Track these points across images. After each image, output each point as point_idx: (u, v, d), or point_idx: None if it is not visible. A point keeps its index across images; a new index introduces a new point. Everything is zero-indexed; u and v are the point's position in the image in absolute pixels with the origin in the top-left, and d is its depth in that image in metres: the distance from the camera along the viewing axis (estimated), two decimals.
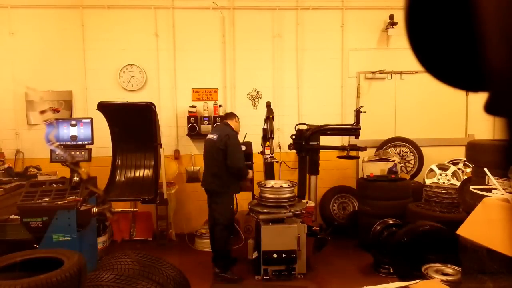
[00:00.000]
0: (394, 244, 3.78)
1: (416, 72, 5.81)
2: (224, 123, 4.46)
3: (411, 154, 5.82)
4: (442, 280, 2.89)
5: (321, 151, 5.28)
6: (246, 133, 5.54)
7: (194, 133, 5.61)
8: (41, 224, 2.72)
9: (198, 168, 5.83)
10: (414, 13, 0.53)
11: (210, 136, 4.36)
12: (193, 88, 5.82)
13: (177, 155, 5.81)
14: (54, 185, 3.00)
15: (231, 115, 4.51)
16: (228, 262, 4.31)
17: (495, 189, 2.59)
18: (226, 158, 4.14)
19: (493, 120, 5.79)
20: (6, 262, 2.06)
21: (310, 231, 4.30)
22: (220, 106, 5.74)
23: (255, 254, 4.51)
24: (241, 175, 4.28)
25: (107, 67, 5.67)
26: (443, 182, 5.25)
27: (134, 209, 4.22)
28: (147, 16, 5.70)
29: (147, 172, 5.29)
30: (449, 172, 5.37)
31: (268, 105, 4.90)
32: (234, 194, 4.49)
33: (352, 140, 5.79)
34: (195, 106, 5.67)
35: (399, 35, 5.74)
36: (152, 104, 4.87)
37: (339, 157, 5.35)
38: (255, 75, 5.90)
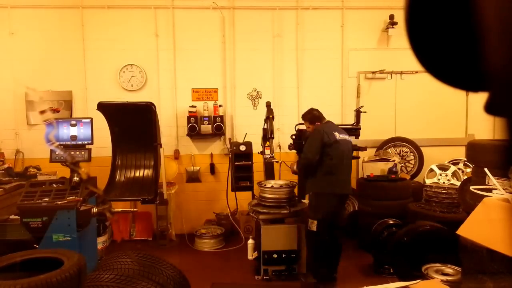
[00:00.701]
0: (394, 244, 3.78)
1: (416, 72, 5.81)
2: (332, 122, 4.15)
3: (411, 154, 5.82)
4: (442, 280, 2.89)
5: None
6: (246, 133, 5.56)
7: (194, 133, 5.60)
8: (41, 224, 2.72)
9: (198, 168, 5.84)
10: (414, 13, 0.53)
11: (343, 136, 3.92)
12: (193, 88, 5.82)
13: (177, 155, 5.81)
14: (54, 185, 3.00)
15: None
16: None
17: (495, 189, 2.59)
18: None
19: (493, 120, 5.79)
20: (6, 262, 2.06)
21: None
22: (220, 106, 5.74)
23: (255, 254, 4.51)
24: None
25: (107, 67, 5.67)
26: (443, 182, 5.25)
27: (134, 209, 4.21)
28: (147, 16, 5.70)
29: (147, 172, 5.29)
30: (449, 172, 5.37)
31: (268, 105, 4.90)
32: None
33: (352, 140, 5.78)
34: (195, 106, 5.67)
35: (399, 35, 5.74)
36: (152, 104, 4.87)
37: None
38: (255, 75, 5.90)
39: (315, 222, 3.80)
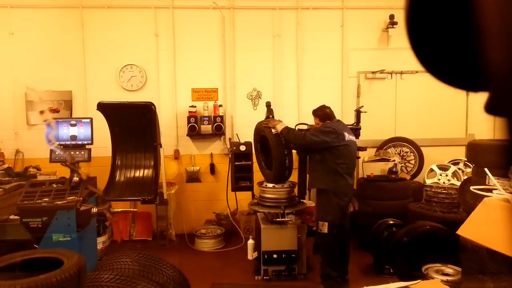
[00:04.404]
0: (394, 244, 3.78)
1: (416, 72, 5.80)
2: (342, 121, 4.09)
3: (411, 154, 5.82)
4: (442, 280, 2.89)
5: None
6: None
7: (194, 133, 5.60)
8: (41, 224, 2.72)
9: (198, 168, 5.84)
10: (414, 13, 0.53)
11: (351, 137, 3.81)
12: (193, 88, 5.82)
13: (177, 155, 5.81)
14: (54, 185, 3.00)
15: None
16: None
17: (496, 189, 2.58)
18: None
19: (493, 120, 5.78)
20: (6, 262, 2.06)
21: (310, 231, 4.30)
22: (220, 106, 5.74)
23: (255, 254, 4.51)
24: None
25: (107, 67, 5.67)
26: (444, 182, 5.25)
27: (134, 209, 4.21)
28: (147, 16, 5.69)
29: (147, 172, 5.29)
30: (449, 172, 5.37)
31: (268, 105, 4.89)
32: None
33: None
34: (195, 106, 5.67)
35: (399, 35, 5.74)
36: (152, 104, 4.87)
37: None
38: (255, 75, 5.90)
39: (326, 224, 3.74)
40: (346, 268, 3.97)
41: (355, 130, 4.93)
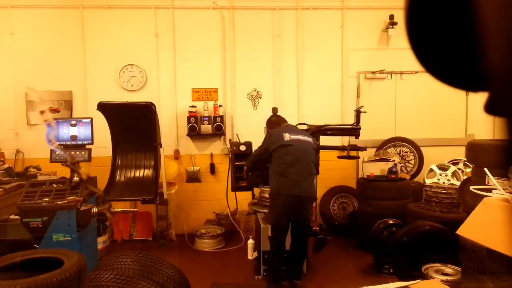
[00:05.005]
0: (394, 244, 3.78)
1: (416, 72, 5.81)
2: (291, 125, 4.16)
3: (411, 154, 5.82)
4: (442, 280, 2.89)
5: (321, 151, 5.27)
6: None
7: (194, 133, 5.61)
8: (41, 224, 2.72)
9: (198, 168, 5.84)
10: (414, 13, 0.53)
11: (295, 137, 3.83)
12: (193, 88, 5.82)
13: (177, 155, 5.81)
14: (54, 185, 3.00)
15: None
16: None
17: (495, 189, 2.59)
18: (316, 160, 3.99)
19: (493, 120, 5.79)
20: (6, 262, 2.06)
21: (310, 231, 4.30)
22: (220, 106, 5.74)
23: (255, 254, 4.51)
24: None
25: (107, 67, 5.67)
26: (443, 182, 5.25)
27: (134, 209, 4.21)
28: (147, 16, 5.70)
29: (147, 172, 5.29)
30: (449, 172, 5.37)
31: (274, 112, 4.84)
32: None
33: (352, 140, 5.79)
34: (195, 106, 5.67)
35: (399, 35, 5.74)
36: (152, 104, 4.87)
37: (339, 157, 5.35)
38: (255, 75, 5.90)
39: (269, 226, 3.80)
40: (299, 271, 3.98)
41: (355, 130, 4.93)
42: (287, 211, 3.70)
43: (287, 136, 3.79)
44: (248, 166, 4.26)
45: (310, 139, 3.94)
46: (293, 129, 4.00)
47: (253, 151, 4.60)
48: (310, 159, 3.84)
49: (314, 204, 5.01)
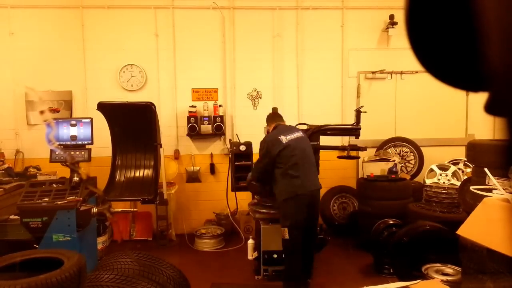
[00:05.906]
0: (394, 244, 3.78)
1: (416, 72, 5.81)
2: (285, 124, 4.17)
3: (411, 154, 5.82)
4: (442, 280, 2.89)
5: (321, 151, 5.27)
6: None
7: (194, 133, 5.61)
8: (41, 224, 2.72)
9: (198, 168, 5.84)
10: (414, 13, 0.53)
11: (290, 136, 3.83)
12: (193, 88, 5.82)
13: (177, 155, 5.81)
14: (54, 185, 3.00)
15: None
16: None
17: (495, 189, 2.59)
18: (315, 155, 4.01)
19: (493, 120, 5.79)
20: (6, 262, 2.06)
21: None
22: (220, 106, 5.74)
23: (255, 254, 4.51)
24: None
25: (107, 67, 5.67)
26: (443, 182, 5.25)
27: (134, 209, 4.21)
28: (147, 16, 5.69)
29: (147, 172, 5.29)
30: (449, 172, 5.37)
31: (274, 111, 4.84)
32: None
33: (352, 140, 5.78)
34: (195, 106, 5.67)
35: (399, 35, 5.74)
36: (152, 104, 4.87)
37: (339, 157, 5.35)
38: (255, 75, 5.90)
39: (286, 229, 3.75)
40: (310, 269, 3.98)
41: (355, 130, 4.92)
42: (305, 210, 3.74)
43: (283, 139, 3.79)
44: (255, 177, 4.10)
45: (301, 133, 3.97)
46: (284, 129, 3.96)
47: (253, 162, 4.56)
48: (309, 151, 3.90)
49: None
